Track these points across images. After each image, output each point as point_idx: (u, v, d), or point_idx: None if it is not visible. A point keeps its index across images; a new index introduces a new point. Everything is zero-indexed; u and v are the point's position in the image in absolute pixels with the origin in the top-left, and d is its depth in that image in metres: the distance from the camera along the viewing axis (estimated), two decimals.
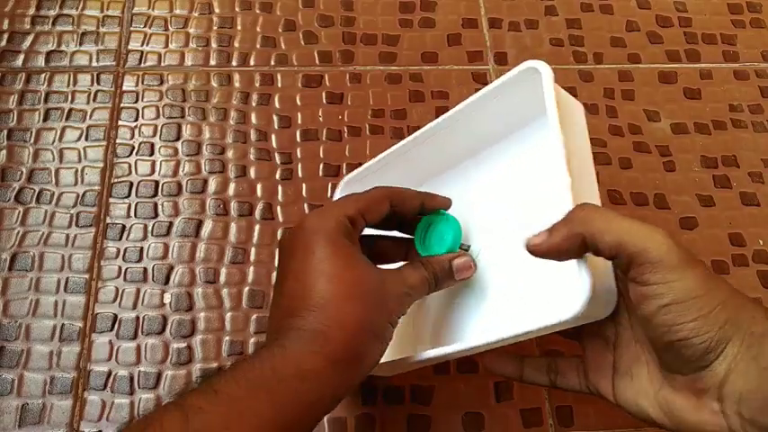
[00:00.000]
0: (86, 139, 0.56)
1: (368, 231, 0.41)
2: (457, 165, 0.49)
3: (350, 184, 0.49)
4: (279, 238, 0.53)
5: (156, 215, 0.53)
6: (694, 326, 0.31)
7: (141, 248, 0.52)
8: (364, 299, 0.34)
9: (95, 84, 0.58)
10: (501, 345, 0.36)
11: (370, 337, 0.35)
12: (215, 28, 0.62)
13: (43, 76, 0.59)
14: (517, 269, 0.42)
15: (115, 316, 0.50)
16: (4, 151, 0.55)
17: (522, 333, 0.35)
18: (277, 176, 0.55)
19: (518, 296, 0.41)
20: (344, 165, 0.56)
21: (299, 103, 0.59)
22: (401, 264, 0.40)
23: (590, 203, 0.34)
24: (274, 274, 0.47)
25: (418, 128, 0.57)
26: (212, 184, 0.55)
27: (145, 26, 0.61)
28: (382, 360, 0.37)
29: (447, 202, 0.43)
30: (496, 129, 0.45)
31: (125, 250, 0.52)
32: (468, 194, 0.46)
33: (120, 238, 0.52)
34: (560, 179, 0.35)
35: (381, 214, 0.39)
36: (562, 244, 0.33)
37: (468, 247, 0.43)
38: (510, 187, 0.45)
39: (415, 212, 0.41)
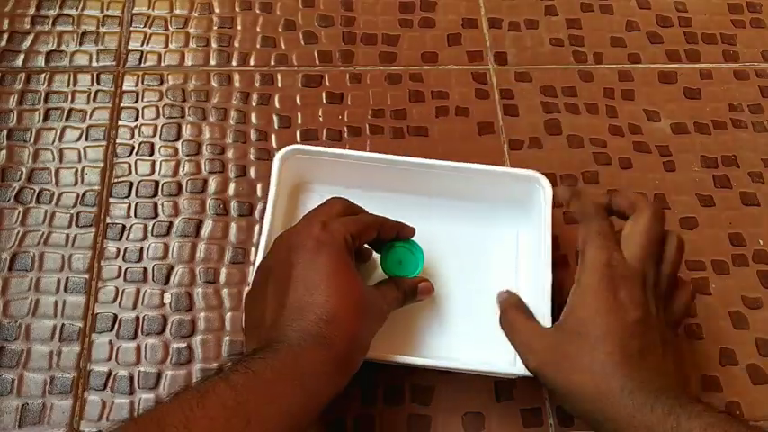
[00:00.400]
0: (86, 139, 0.56)
1: None
2: (421, 195, 0.52)
3: (295, 156, 0.50)
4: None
5: (156, 215, 0.53)
6: None
7: (141, 248, 0.52)
8: (363, 315, 0.39)
9: (95, 84, 0.58)
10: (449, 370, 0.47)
11: (362, 347, 0.40)
12: (215, 28, 0.62)
13: (43, 76, 0.59)
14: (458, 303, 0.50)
15: (115, 316, 0.50)
16: (4, 151, 0.55)
17: (469, 370, 0.46)
18: None
19: (462, 328, 0.49)
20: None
21: (299, 102, 0.59)
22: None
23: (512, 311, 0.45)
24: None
25: (418, 127, 0.58)
26: (212, 184, 0.55)
27: (145, 26, 0.61)
28: None
29: (413, 232, 0.48)
30: (476, 194, 0.51)
31: (125, 250, 0.52)
32: (425, 226, 0.49)
33: (120, 238, 0.52)
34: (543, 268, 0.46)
35: (369, 239, 0.44)
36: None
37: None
38: (465, 238, 0.52)
39: (389, 239, 0.47)
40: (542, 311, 0.44)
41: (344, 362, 0.38)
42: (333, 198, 0.45)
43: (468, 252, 0.52)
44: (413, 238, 0.48)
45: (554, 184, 0.55)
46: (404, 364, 0.46)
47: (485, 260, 0.51)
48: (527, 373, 0.42)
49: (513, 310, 0.45)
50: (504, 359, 0.46)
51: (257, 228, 0.53)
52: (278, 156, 0.49)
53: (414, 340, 0.48)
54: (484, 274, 0.51)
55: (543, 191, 0.49)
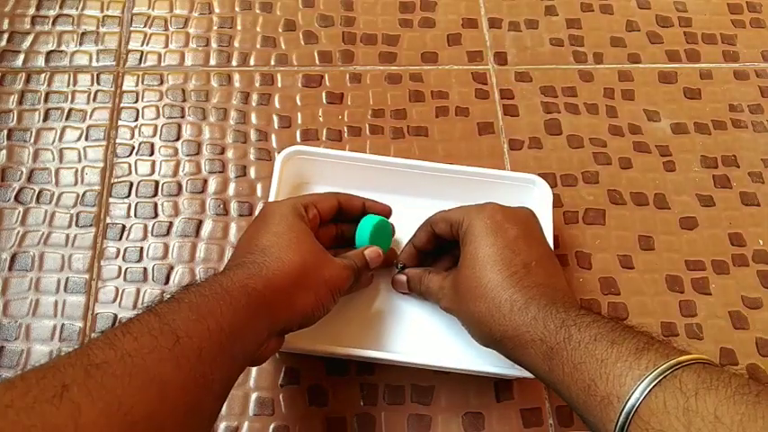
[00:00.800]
0: (86, 139, 0.56)
1: None
2: (421, 198, 0.52)
3: (296, 157, 0.51)
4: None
5: (156, 215, 0.53)
6: None
7: (141, 248, 0.52)
8: (301, 252, 0.40)
9: (95, 84, 0.58)
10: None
11: (303, 285, 0.39)
12: (215, 28, 0.62)
13: (43, 76, 0.59)
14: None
15: (115, 316, 0.50)
16: (5, 151, 0.55)
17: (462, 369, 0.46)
18: None
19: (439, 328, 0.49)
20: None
21: (299, 102, 0.59)
22: None
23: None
24: None
25: (418, 127, 0.58)
26: (212, 184, 0.55)
27: (145, 26, 0.61)
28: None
29: (387, 209, 0.50)
30: (475, 197, 0.50)
31: (125, 250, 0.52)
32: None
33: (120, 238, 0.52)
34: None
35: (332, 208, 0.46)
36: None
37: (403, 266, 0.49)
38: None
39: (357, 212, 0.48)
40: None
41: (280, 288, 0.38)
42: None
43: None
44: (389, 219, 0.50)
45: (554, 184, 0.55)
46: (404, 363, 0.47)
47: None
48: (525, 374, 0.42)
49: (417, 275, 0.47)
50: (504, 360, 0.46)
51: None
52: (279, 157, 0.50)
53: (414, 342, 0.48)
54: None
55: (541, 193, 0.50)
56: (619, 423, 0.31)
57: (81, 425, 0.26)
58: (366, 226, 0.47)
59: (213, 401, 0.34)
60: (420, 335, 0.49)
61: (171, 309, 0.33)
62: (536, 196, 0.50)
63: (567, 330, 0.35)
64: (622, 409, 0.31)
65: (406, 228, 0.50)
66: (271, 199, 0.49)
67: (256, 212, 0.54)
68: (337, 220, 0.48)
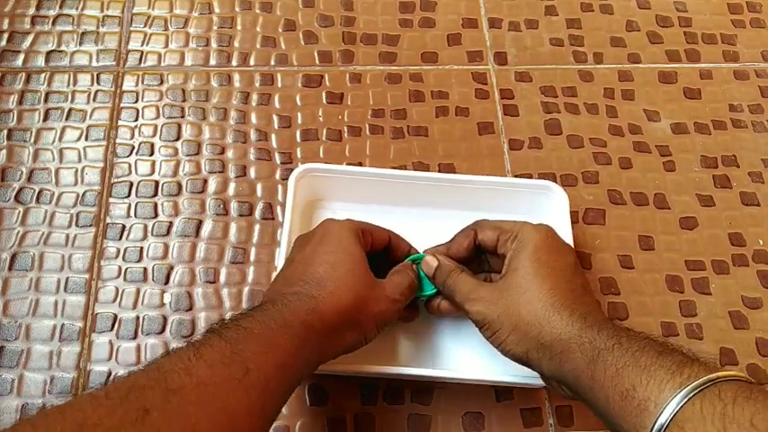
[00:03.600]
0: (86, 139, 0.56)
1: None
2: (434, 209, 0.52)
3: (308, 175, 0.51)
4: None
5: (156, 215, 0.53)
6: None
7: (141, 248, 0.52)
8: (356, 288, 0.41)
9: (95, 84, 0.58)
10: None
11: (354, 322, 0.40)
12: (215, 28, 0.62)
13: (43, 75, 0.59)
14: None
15: (115, 316, 0.50)
16: (5, 151, 0.55)
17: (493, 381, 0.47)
18: (277, 176, 0.55)
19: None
20: (344, 164, 0.56)
21: (298, 102, 0.59)
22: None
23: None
24: (274, 274, 0.47)
25: (418, 127, 0.58)
26: (212, 184, 0.55)
27: (145, 26, 0.61)
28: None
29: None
30: (489, 206, 0.51)
31: (125, 250, 0.52)
32: (438, 239, 0.49)
33: (120, 238, 0.52)
34: None
35: (384, 241, 0.47)
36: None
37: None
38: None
39: (402, 253, 0.48)
40: None
41: (331, 324, 0.39)
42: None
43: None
44: None
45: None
46: (422, 377, 0.47)
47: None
48: (540, 382, 0.43)
49: (449, 267, 0.46)
50: (521, 370, 0.44)
51: (257, 228, 0.53)
52: (292, 176, 0.50)
53: (428, 354, 0.48)
54: None
55: (558, 199, 0.50)
56: (654, 429, 0.32)
57: None
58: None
59: (269, 427, 0.35)
60: (436, 349, 0.49)
61: (240, 337, 0.35)
62: (553, 203, 0.50)
63: (618, 338, 0.36)
64: (659, 415, 0.32)
65: (420, 240, 0.49)
66: (286, 220, 0.48)
67: (256, 212, 0.54)
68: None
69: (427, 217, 0.52)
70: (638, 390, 0.33)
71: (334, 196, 0.53)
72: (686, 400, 0.31)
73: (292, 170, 0.51)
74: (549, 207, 0.51)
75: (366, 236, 0.45)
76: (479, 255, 0.48)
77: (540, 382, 0.42)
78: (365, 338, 0.42)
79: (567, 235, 0.48)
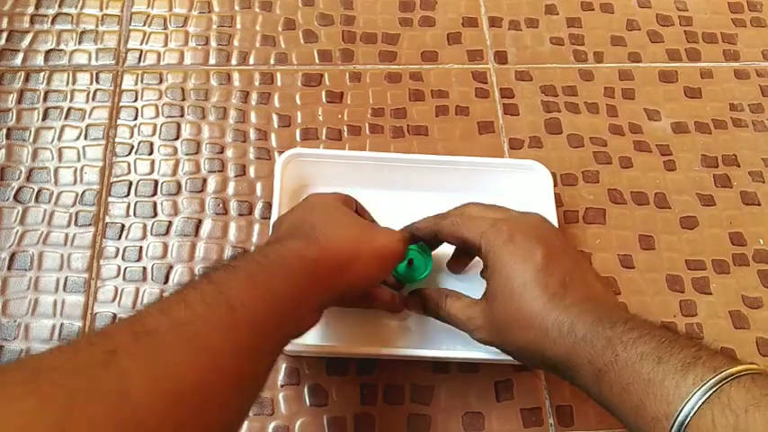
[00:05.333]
0: (85, 138, 0.56)
1: None
2: (422, 191, 0.52)
3: (295, 160, 0.51)
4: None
5: (156, 214, 0.53)
6: None
7: (140, 248, 0.52)
8: (351, 225, 0.41)
9: (94, 83, 0.58)
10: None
11: (355, 253, 0.39)
12: (214, 27, 0.62)
13: (42, 74, 0.58)
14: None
15: (114, 315, 0.49)
16: (4, 150, 0.55)
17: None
18: None
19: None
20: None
21: (298, 102, 0.59)
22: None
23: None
24: None
25: (418, 126, 0.58)
26: (212, 183, 0.55)
27: (144, 25, 0.61)
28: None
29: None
30: (476, 187, 0.51)
31: (124, 249, 0.52)
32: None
33: (120, 238, 0.52)
34: None
35: (366, 214, 0.46)
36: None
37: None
38: None
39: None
40: None
41: (329, 263, 0.38)
42: None
43: None
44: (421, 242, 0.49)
45: (554, 184, 0.55)
46: (408, 357, 0.47)
47: None
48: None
49: (434, 299, 0.45)
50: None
51: (257, 227, 0.53)
52: (278, 161, 0.50)
53: (413, 336, 0.49)
54: None
55: (541, 178, 0.51)
56: None
57: (128, 390, 0.25)
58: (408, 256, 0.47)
59: (263, 372, 0.33)
60: (421, 330, 0.49)
61: (227, 277, 0.32)
62: (536, 181, 0.51)
63: (613, 350, 0.34)
64: (670, 429, 0.31)
65: (408, 222, 0.49)
66: (275, 204, 0.49)
67: (255, 212, 0.54)
68: None
69: (414, 199, 0.52)
70: (648, 405, 0.32)
71: (321, 181, 0.53)
72: (695, 410, 0.30)
73: None
74: (532, 186, 0.51)
75: (351, 202, 0.45)
76: None
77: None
78: (370, 277, 0.41)
79: (550, 213, 0.49)
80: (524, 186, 0.52)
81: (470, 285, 0.47)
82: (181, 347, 0.28)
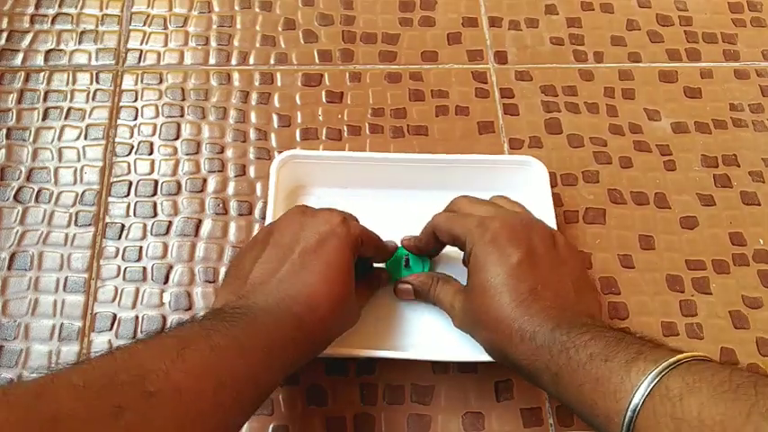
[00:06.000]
0: (85, 138, 0.56)
1: None
2: (418, 190, 0.53)
3: (291, 162, 0.51)
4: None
5: (156, 214, 0.53)
6: None
7: (140, 248, 0.52)
8: (342, 312, 0.41)
9: (94, 83, 0.58)
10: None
11: (329, 339, 0.41)
12: (214, 27, 0.62)
13: (42, 74, 0.58)
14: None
15: (114, 315, 0.49)
16: (4, 150, 0.55)
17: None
18: None
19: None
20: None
21: (298, 102, 0.59)
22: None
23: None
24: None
25: (418, 126, 0.58)
26: (212, 183, 0.55)
27: (144, 25, 0.61)
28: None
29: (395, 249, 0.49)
30: (472, 184, 0.51)
31: (124, 249, 0.52)
32: (424, 220, 0.49)
33: (120, 238, 0.52)
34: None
35: (369, 252, 0.45)
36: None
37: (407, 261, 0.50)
38: None
39: (381, 260, 0.49)
40: None
41: (311, 346, 0.40)
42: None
43: None
44: None
45: (554, 184, 0.55)
46: (408, 358, 0.47)
47: None
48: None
49: (425, 284, 0.47)
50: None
51: (256, 227, 0.53)
52: (274, 163, 0.50)
53: (413, 337, 0.49)
54: None
55: (537, 174, 0.51)
56: None
57: None
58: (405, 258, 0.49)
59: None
60: (420, 331, 0.49)
61: (226, 345, 0.34)
62: (533, 177, 0.51)
63: (566, 353, 0.36)
64: (622, 425, 0.31)
65: (404, 221, 0.49)
66: (269, 208, 0.49)
67: (255, 212, 0.54)
68: None
69: (410, 198, 0.53)
70: (599, 403, 0.33)
71: (316, 182, 0.53)
72: (641, 403, 0.31)
73: None
74: (529, 182, 0.51)
75: (362, 248, 0.43)
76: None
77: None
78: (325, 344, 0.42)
79: (547, 210, 0.49)
80: (521, 182, 0.52)
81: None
82: (175, 415, 0.30)
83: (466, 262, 0.44)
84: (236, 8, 0.62)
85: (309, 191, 0.53)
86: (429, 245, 0.48)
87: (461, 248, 0.45)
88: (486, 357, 0.44)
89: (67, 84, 0.58)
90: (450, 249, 0.49)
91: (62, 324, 0.49)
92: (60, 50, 0.60)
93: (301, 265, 0.39)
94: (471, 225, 0.43)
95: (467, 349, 0.46)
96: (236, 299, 0.39)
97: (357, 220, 0.45)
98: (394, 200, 0.52)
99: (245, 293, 0.39)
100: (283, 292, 0.38)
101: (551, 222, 0.49)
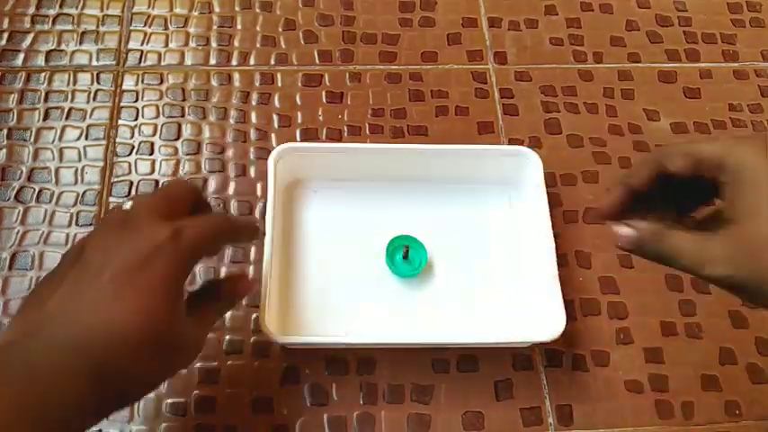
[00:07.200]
0: (86, 138, 0.56)
1: None
2: (414, 181, 0.53)
3: (287, 155, 0.51)
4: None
5: None
6: None
7: None
8: (163, 350, 0.33)
9: (95, 83, 0.58)
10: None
11: (146, 383, 0.34)
12: (215, 27, 0.62)
13: (43, 75, 0.59)
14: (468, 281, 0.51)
15: None
16: (5, 150, 0.55)
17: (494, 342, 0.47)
18: None
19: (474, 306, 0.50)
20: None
21: (298, 102, 0.59)
22: None
23: None
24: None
25: (418, 127, 0.58)
26: (212, 184, 0.55)
27: (145, 25, 0.61)
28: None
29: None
30: (468, 175, 0.52)
31: None
32: (420, 210, 0.52)
33: None
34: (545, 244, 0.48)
35: (217, 250, 0.39)
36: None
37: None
38: (460, 219, 0.53)
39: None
40: (548, 273, 0.47)
41: (121, 394, 0.32)
42: (176, 184, 0.42)
43: (465, 233, 0.52)
44: (414, 234, 0.50)
45: (554, 184, 0.55)
46: (410, 345, 0.48)
47: (482, 240, 0.52)
48: (538, 339, 0.46)
49: (655, 232, 0.37)
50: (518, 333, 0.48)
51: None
52: (271, 156, 0.50)
53: (415, 326, 0.49)
54: (483, 254, 0.52)
55: (532, 164, 0.51)
56: None
57: None
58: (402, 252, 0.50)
59: None
60: (422, 320, 0.49)
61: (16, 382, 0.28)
62: (527, 168, 0.51)
63: None
64: None
65: (403, 213, 0.50)
66: (269, 202, 0.48)
67: (255, 212, 0.54)
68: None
69: (408, 190, 0.53)
70: None
71: (314, 175, 0.53)
72: None
73: None
74: (523, 171, 0.52)
75: (197, 254, 0.35)
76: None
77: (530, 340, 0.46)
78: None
79: (542, 201, 0.50)
80: (516, 171, 0.52)
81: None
82: None
83: (720, 193, 0.35)
84: (237, 9, 0.63)
85: (307, 184, 0.54)
86: (645, 179, 0.37)
87: (701, 180, 0.35)
88: (489, 340, 0.46)
89: (68, 84, 0.58)
90: (450, 241, 0.50)
91: None
92: (61, 51, 0.60)
93: (111, 292, 0.31)
94: (728, 142, 0.35)
95: (468, 335, 0.47)
96: (21, 336, 0.31)
97: (209, 209, 0.39)
98: (388, 191, 0.53)
99: (32, 329, 0.31)
100: (81, 327, 0.30)
101: (544, 216, 0.49)
